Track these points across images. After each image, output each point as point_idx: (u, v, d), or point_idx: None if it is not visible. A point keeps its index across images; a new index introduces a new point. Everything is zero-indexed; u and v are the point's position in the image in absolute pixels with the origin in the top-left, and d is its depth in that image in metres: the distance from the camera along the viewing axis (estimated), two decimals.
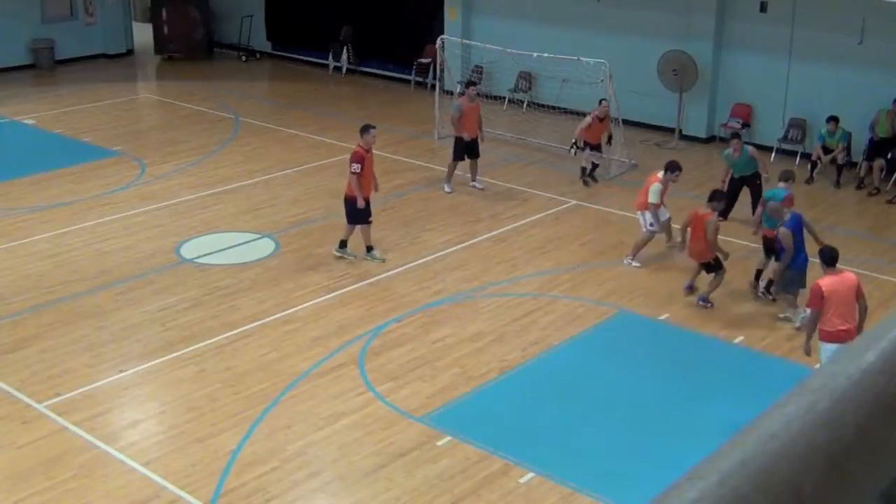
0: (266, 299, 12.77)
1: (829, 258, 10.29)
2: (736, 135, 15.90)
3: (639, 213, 14.20)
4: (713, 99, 19.97)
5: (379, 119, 21.43)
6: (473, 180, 17.11)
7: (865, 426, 1.16)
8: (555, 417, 10.24)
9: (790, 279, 12.00)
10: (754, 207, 14.90)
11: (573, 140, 17.72)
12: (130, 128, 21.19)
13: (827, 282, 10.03)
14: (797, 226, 11.92)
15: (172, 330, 11.95)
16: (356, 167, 13.58)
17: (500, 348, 11.60)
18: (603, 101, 17.23)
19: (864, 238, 15.29)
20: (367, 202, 13.71)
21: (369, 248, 13.93)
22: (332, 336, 11.86)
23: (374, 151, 19.14)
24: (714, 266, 12.63)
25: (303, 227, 15.30)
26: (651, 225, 13.94)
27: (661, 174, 14.10)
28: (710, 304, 12.62)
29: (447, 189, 16.92)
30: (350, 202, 13.72)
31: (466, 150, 16.86)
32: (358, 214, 13.73)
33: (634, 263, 14.00)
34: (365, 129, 13.91)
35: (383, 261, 13.88)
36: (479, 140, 17.07)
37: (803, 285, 11.84)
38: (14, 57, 25.69)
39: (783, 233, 11.80)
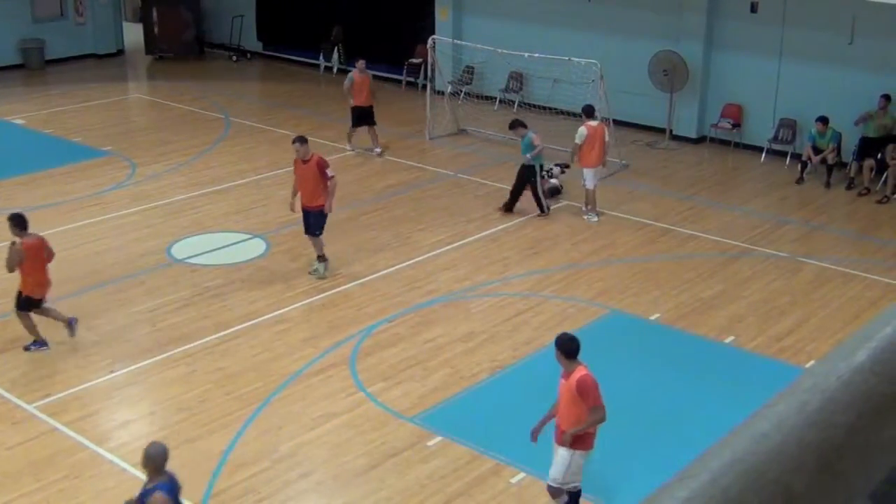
0: (257, 299, 12.75)
1: (577, 349, 8.11)
2: (514, 122, 16.12)
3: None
4: (704, 99, 20.01)
5: None
6: (375, 147, 18.88)
7: (856, 426, 1.16)
8: None
9: None
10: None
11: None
12: (121, 128, 21.14)
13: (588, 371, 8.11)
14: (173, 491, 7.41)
15: (163, 330, 11.93)
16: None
17: (491, 348, 11.60)
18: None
19: (855, 238, 15.35)
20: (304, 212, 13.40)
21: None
22: (323, 336, 11.85)
23: (366, 151, 19.26)
24: None
25: (294, 228, 15.25)
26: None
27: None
28: None
29: (348, 149, 19.06)
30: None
31: (362, 117, 18.73)
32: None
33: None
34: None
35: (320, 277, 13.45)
36: (373, 108, 18.85)
37: None
38: (4, 56, 25.62)
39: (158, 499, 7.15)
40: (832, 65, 18.16)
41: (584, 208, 15.92)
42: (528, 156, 15.49)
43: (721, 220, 15.85)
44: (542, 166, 15.78)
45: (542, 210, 15.76)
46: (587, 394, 7.88)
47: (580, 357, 8.06)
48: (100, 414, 10.24)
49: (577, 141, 15.56)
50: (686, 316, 12.55)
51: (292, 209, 13.57)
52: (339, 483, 9.11)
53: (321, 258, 13.45)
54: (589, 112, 15.88)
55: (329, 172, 13.09)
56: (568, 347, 7.98)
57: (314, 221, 13.30)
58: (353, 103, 18.82)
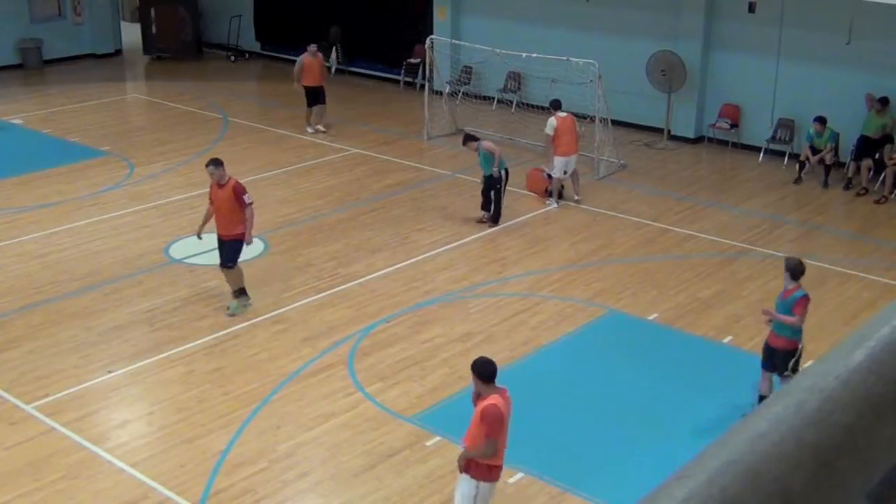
0: (255, 299, 12.73)
1: (492, 372, 7.83)
2: (466, 137, 15.85)
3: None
4: (702, 99, 20.02)
5: (368, 119, 21.57)
6: (318, 124, 20.33)
7: (854, 425, 1.16)
8: (544, 417, 10.25)
9: None
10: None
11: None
12: (119, 128, 21.13)
13: (501, 401, 7.74)
14: None
15: (161, 330, 11.92)
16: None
17: (489, 348, 11.58)
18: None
19: (853, 238, 15.36)
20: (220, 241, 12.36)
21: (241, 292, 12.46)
22: (321, 336, 11.84)
23: (364, 151, 19.28)
24: None
25: (292, 228, 15.28)
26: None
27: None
28: None
29: (309, 130, 20.31)
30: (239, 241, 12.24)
31: (314, 96, 20.12)
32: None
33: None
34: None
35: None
36: (323, 88, 20.22)
37: None
38: (2, 56, 25.61)
39: None
40: (830, 65, 18.17)
41: (552, 198, 16.43)
42: (495, 169, 15.17)
43: (719, 220, 15.86)
44: (507, 171, 15.40)
45: (495, 219, 15.43)
46: (485, 424, 7.53)
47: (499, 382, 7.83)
48: (98, 414, 10.24)
49: (548, 132, 16.19)
50: (684, 316, 12.55)
51: (198, 235, 12.48)
52: (338, 483, 9.11)
53: (237, 293, 12.29)
54: (556, 105, 16.53)
55: (246, 199, 11.94)
56: (481, 371, 7.66)
57: (228, 252, 12.16)
58: (304, 83, 20.04)
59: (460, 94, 21.82)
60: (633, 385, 10.94)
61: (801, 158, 17.78)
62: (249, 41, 27.98)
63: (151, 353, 11.39)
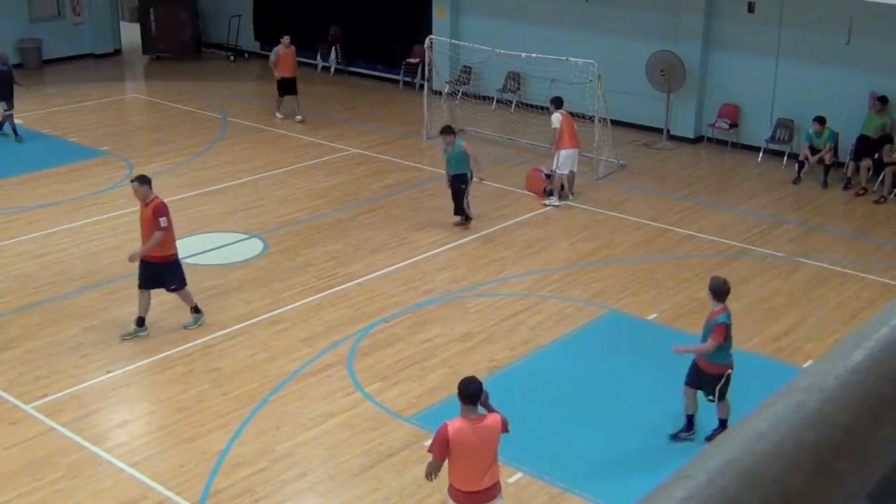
0: (254, 300, 12.74)
1: (472, 394, 7.38)
2: (448, 128, 15.43)
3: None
4: (701, 99, 20.02)
5: (367, 119, 21.56)
6: (297, 114, 21.10)
7: (853, 426, 1.16)
8: (544, 417, 10.25)
9: None
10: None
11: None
12: (118, 128, 21.13)
13: (459, 425, 7.31)
14: None
15: (160, 330, 11.91)
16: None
17: (488, 348, 11.60)
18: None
19: (852, 238, 15.36)
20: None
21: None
22: (320, 336, 11.84)
23: (363, 151, 19.27)
24: None
25: (291, 228, 15.28)
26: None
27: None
28: None
29: (279, 116, 21.22)
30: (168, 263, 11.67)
31: (286, 87, 21.05)
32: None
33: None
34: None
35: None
36: (296, 79, 21.17)
37: None
38: None
39: None
40: (829, 65, 18.17)
41: (554, 196, 16.43)
42: (474, 173, 15.08)
43: (718, 220, 15.86)
44: (472, 173, 15.14)
45: (467, 218, 15.24)
46: (433, 441, 7.38)
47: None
48: (97, 414, 10.24)
49: (556, 125, 16.29)
50: (684, 316, 12.55)
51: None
52: (337, 483, 9.11)
53: (195, 309, 11.99)
54: (558, 103, 16.64)
55: (161, 222, 11.28)
56: (464, 392, 7.35)
57: (168, 276, 11.62)
58: (279, 75, 20.94)
59: (460, 94, 21.81)
60: (632, 385, 10.93)
61: (801, 158, 17.78)
62: (249, 41, 27.97)
63: (151, 353, 11.38)
